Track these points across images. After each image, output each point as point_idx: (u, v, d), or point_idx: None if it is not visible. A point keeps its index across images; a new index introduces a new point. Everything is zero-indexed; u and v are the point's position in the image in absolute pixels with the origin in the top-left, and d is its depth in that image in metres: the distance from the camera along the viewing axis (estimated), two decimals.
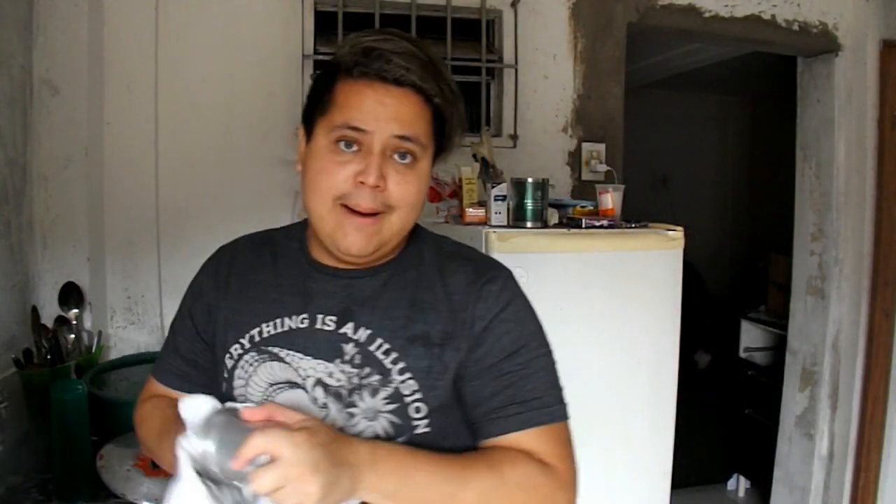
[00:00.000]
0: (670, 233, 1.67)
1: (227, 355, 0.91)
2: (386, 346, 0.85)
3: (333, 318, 0.87)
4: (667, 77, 3.75)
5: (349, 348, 0.85)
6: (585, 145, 2.26)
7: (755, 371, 3.33)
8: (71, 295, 1.74)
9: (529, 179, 1.64)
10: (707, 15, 2.39)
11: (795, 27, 2.50)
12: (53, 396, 1.26)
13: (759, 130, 4.49)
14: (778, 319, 3.16)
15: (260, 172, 2.00)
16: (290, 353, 0.87)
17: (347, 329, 0.86)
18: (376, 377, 0.84)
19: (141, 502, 1.25)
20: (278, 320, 0.89)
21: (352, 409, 0.84)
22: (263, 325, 0.89)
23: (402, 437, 0.83)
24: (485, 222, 1.66)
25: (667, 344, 1.67)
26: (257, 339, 0.89)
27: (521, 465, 0.80)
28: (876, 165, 2.56)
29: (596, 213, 1.78)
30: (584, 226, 1.66)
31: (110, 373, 1.70)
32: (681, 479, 1.82)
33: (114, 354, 1.87)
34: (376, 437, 0.83)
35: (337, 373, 0.85)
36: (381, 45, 0.82)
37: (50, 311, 1.70)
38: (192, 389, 0.94)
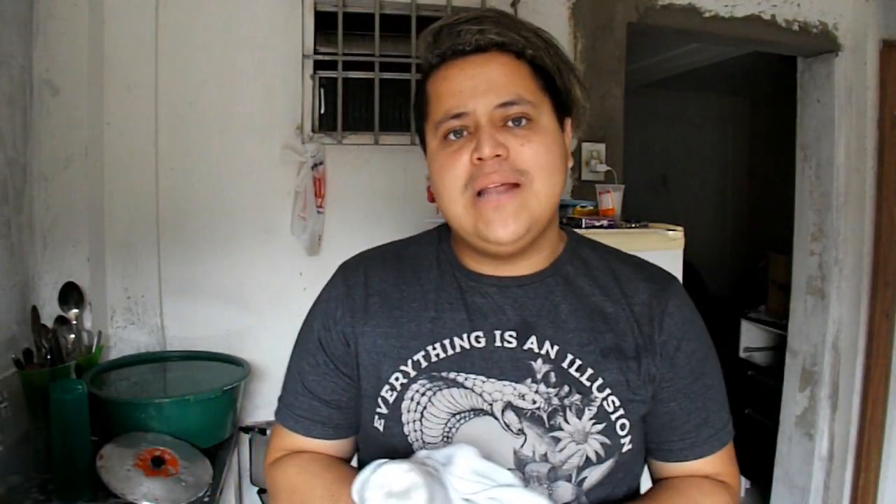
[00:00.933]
0: (670, 233, 1.67)
1: (387, 387, 0.80)
2: (578, 361, 0.79)
3: (513, 332, 0.80)
4: (667, 77, 3.75)
5: (539, 365, 0.79)
6: (585, 145, 2.26)
7: (755, 371, 3.33)
8: (71, 295, 1.73)
9: None
10: (707, 15, 2.39)
11: (795, 27, 2.50)
12: (53, 396, 1.26)
13: (759, 130, 4.49)
14: (778, 319, 3.16)
15: (260, 172, 2.00)
16: (470, 376, 0.79)
17: (531, 345, 0.79)
18: (577, 396, 0.78)
19: (141, 502, 1.25)
20: (446, 341, 0.80)
21: (556, 433, 0.77)
22: (429, 349, 0.80)
23: (611, 458, 0.78)
24: None
25: None
26: (424, 364, 0.80)
27: (710, 495, 0.83)
28: (876, 165, 2.56)
29: (596, 213, 1.79)
30: (584, 226, 1.66)
31: (110, 373, 1.70)
32: None
33: (114, 354, 1.87)
34: (586, 461, 0.78)
35: (530, 394, 0.78)
36: (445, 22, 0.80)
37: (50, 311, 1.69)
38: (338, 434, 0.86)
